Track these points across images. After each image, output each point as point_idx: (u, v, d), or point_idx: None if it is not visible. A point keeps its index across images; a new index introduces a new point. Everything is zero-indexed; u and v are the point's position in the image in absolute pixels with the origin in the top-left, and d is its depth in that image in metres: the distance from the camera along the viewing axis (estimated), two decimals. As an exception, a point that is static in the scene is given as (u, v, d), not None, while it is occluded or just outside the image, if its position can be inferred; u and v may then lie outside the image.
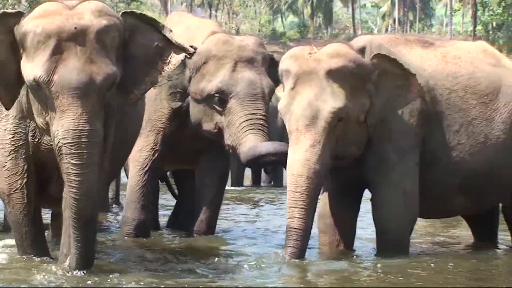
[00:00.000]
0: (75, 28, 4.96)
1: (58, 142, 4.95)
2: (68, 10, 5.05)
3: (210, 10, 60.45)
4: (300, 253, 5.86)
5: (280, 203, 10.35)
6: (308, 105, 5.83)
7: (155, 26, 5.32)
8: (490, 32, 56.40)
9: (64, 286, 4.97)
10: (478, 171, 6.35)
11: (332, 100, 5.82)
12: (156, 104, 6.78)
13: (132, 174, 6.98)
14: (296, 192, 5.83)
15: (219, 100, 6.48)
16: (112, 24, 5.07)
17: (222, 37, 6.68)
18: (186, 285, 5.09)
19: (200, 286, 5.10)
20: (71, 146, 4.91)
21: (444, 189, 6.35)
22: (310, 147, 5.80)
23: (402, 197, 6.09)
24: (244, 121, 6.38)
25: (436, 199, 6.36)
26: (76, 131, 4.90)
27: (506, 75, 6.61)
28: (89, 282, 5.02)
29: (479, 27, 55.60)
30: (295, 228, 5.83)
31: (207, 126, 6.60)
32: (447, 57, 6.47)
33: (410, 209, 6.15)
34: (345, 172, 6.18)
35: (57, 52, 4.94)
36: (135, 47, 5.27)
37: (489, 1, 55.34)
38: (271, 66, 6.68)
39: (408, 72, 5.95)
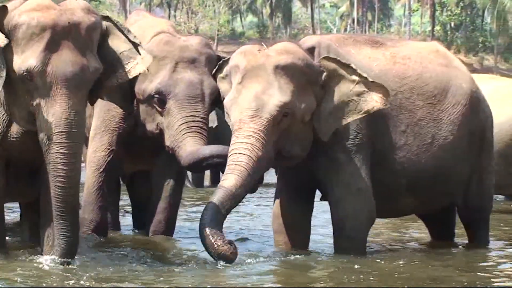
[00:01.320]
0: (69, 22, 5.24)
1: (48, 131, 5.15)
2: (59, 6, 5.33)
3: (169, 10, 60.26)
4: (217, 213, 5.67)
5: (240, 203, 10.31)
6: (254, 98, 5.80)
7: (127, 36, 5.64)
8: (448, 32, 56.97)
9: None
10: (425, 171, 6.38)
11: (278, 94, 5.80)
12: (109, 104, 6.74)
13: (88, 175, 6.93)
14: (236, 164, 5.69)
15: (158, 101, 6.41)
16: (98, 22, 5.42)
17: (164, 37, 6.58)
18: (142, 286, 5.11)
19: (155, 286, 5.12)
20: (62, 135, 5.16)
21: (393, 189, 6.37)
22: (254, 133, 5.73)
23: (357, 195, 6.10)
24: (182, 124, 6.29)
25: (386, 199, 6.33)
26: (68, 120, 5.16)
27: (457, 75, 6.65)
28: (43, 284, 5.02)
29: (437, 27, 56.12)
30: (225, 187, 5.65)
31: (150, 126, 6.55)
32: (396, 58, 6.48)
33: (366, 207, 6.17)
34: (296, 171, 6.19)
35: (51, 45, 5.20)
36: (103, 50, 5.53)
37: (447, 2, 55.88)
38: None
39: (366, 78, 5.93)
